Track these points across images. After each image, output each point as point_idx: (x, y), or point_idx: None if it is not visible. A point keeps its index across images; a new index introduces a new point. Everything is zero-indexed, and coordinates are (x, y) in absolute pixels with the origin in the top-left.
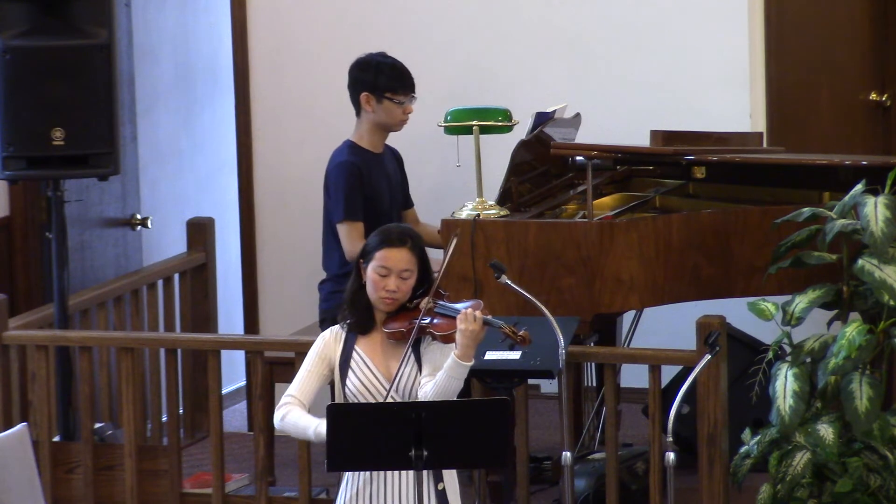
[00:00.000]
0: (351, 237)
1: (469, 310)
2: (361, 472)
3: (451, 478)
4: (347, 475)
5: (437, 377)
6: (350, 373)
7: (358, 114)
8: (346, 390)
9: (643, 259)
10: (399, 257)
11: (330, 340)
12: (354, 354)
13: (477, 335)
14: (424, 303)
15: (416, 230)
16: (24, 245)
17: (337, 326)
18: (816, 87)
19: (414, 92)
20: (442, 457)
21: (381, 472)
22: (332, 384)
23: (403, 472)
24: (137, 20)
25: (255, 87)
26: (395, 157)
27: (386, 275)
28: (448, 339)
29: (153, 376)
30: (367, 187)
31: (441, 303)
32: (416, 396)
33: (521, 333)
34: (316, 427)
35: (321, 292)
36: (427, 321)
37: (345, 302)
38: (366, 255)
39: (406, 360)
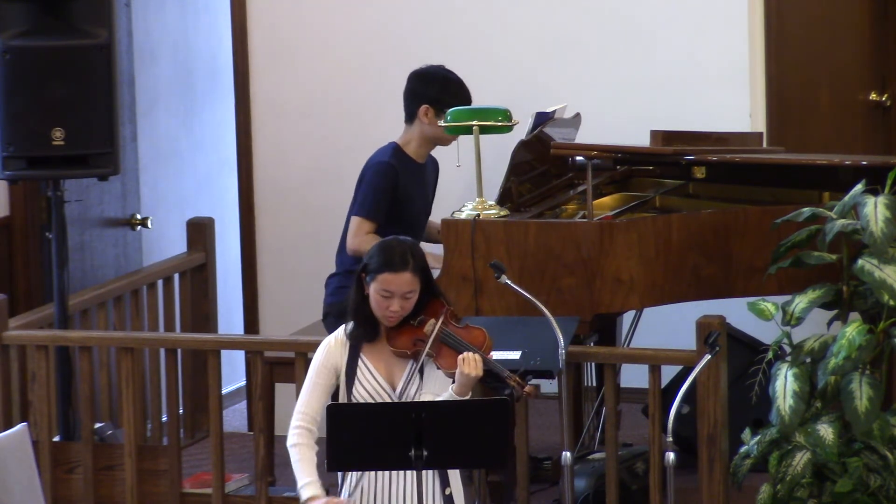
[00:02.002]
0: (358, 232)
1: (471, 356)
2: (365, 473)
3: (456, 482)
4: (349, 475)
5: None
6: (357, 381)
7: (409, 121)
8: (353, 398)
9: (643, 259)
10: (401, 281)
11: (334, 347)
12: (360, 363)
13: (477, 379)
14: (429, 325)
15: (418, 243)
16: (24, 245)
17: (340, 331)
18: (816, 87)
19: None
20: (442, 457)
21: (385, 473)
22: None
23: (408, 473)
24: (137, 20)
25: (255, 87)
26: (435, 169)
27: (388, 297)
28: (452, 375)
29: (153, 376)
30: (400, 192)
31: (448, 332)
32: None
33: (526, 389)
34: (302, 486)
35: (328, 286)
36: (432, 348)
37: (348, 312)
38: (367, 271)
39: (409, 375)
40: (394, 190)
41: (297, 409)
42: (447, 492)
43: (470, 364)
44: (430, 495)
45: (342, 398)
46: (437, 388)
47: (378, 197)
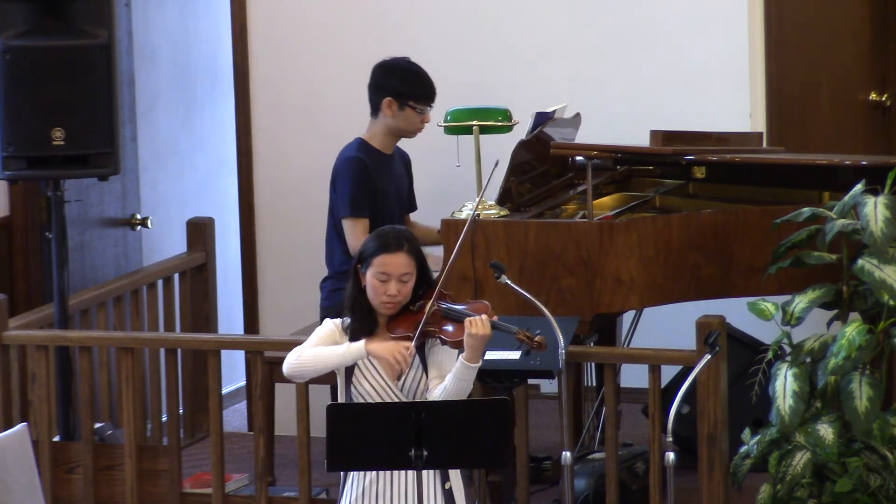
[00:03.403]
0: (355, 233)
1: (478, 318)
2: (367, 472)
3: (456, 477)
4: (352, 474)
5: (445, 381)
6: (357, 372)
7: (374, 115)
8: (353, 390)
9: (643, 259)
10: (398, 262)
11: (338, 332)
12: None
13: (486, 339)
14: (429, 306)
15: (411, 231)
16: (24, 245)
17: (339, 320)
18: (816, 87)
19: (434, 102)
20: (442, 457)
21: (388, 471)
22: (332, 387)
23: (410, 472)
24: (137, 20)
25: (255, 87)
26: (404, 160)
27: (386, 280)
28: (458, 345)
29: (153, 376)
30: (372, 186)
31: (446, 305)
32: (422, 398)
33: (536, 339)
34: (346, 350)
35: (322, 290)
36: (433, 326)
37: (345, 307)
38: (363, 260)
39: (411, 366)
40: (367, 183)
41: (299, 347)
42: (447, 486)
43: (477, 325)
44: (431, 490)
45: (340, 390)
46: (444, 367)
47: (357, 192)
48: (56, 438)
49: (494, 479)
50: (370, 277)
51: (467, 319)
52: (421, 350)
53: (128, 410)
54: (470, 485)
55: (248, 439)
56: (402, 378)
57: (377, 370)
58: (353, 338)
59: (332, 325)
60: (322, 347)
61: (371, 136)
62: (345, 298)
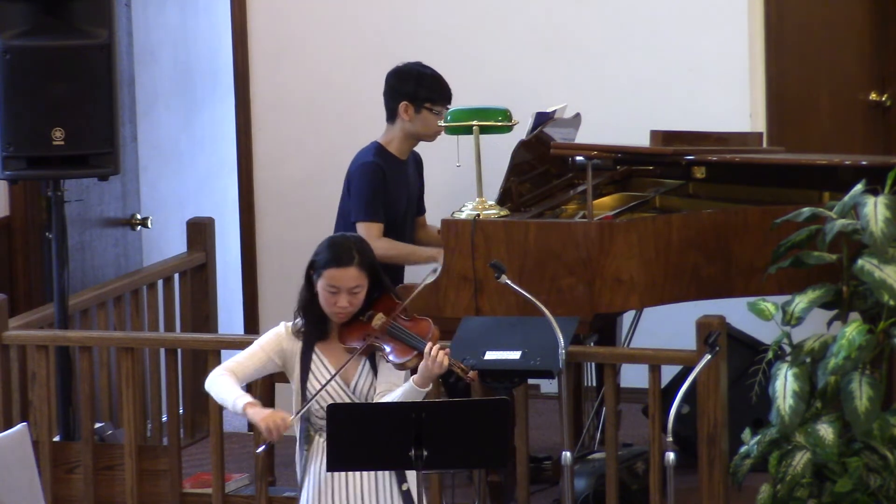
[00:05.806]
0: (370, 237)
1: (436, 350)
2: (321, 473)
3: (412, 478)
4: (308, 475)
5: (394, 394)
6: (311, 376)
7: (391, 120)
8: (307, 391)
9: (643, 259)
10: (347, 276)
11: (286, 337)
12: (314, 356)
13: (441, 372)
14: (377, 319)
15: (365, 242)
16: (24, 245)
17: (292, 324)
18: (816, 87)
19: (450, 103)
20: (442, 457)
21: (342, 473)
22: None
23: (364, 473)
24: (137, 20)
25: (255, 87)
26: (417, 163)
27: (335, 292)
28: (402, 366)
29: (153, 376)
30: (386, 192)
31: (395, 325)
32: (371, 400)
33: (470, 374)
34: (235, 399)
35: None
36: (379, 342)
37: (298, 310)
38: (315, 268)
39: (362, 371)
40: (384, 189)
41: (224, 365)
42: (404, 487)
43: (436, 360)
44: (387, 491)
45: (295, 393)
46: (391, 380)
47: (373, 197)
48: (56, 438)
49: (494, 479)
50: (321, 288)
51: (426, 348)
52: (372, 357)
53: (128, 410)
54: (470, 485)
55: (248, 439)
56: (354, 385)
57: (329, 370)
58: (306, 341)
59: (280, 331)
60: (228, 382)
61: (388, 142)
62: (298, 301)
